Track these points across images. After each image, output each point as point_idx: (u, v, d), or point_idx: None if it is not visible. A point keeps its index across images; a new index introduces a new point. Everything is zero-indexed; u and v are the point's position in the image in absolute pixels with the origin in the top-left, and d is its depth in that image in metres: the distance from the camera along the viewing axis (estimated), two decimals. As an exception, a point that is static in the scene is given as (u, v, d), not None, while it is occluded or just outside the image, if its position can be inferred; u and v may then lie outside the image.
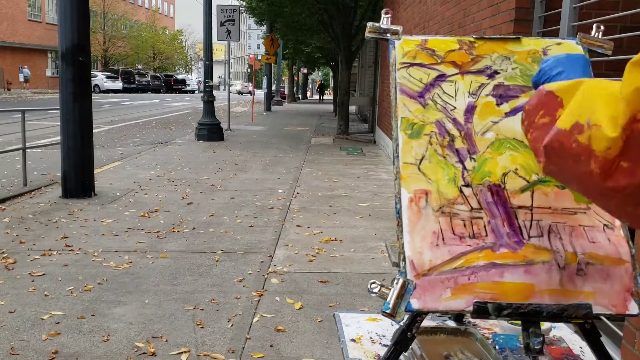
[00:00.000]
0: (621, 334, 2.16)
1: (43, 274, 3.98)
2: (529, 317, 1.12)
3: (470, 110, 1.31)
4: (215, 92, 14.19)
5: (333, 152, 11.38)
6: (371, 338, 1.48)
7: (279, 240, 4.97)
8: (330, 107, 29.53)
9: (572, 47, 1.38)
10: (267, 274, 4.12)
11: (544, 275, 1.16)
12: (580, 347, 1.46)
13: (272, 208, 6.18)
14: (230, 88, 14.86)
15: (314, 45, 25.96)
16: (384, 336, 1.49)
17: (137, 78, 45.14)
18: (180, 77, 53.23)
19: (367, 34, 1.37)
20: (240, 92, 53.55)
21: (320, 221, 5.64)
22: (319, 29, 17.91)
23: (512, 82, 1.33)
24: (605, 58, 1.64)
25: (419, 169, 1.24)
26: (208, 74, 12.87)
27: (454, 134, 1.28)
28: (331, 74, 43.37)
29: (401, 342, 1.17)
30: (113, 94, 37.27)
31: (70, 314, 3.34)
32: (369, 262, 4.44)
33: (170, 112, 23.33)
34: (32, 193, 6.64)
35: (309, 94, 61.78)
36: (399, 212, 1.20)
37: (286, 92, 43.54)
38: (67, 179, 6.42)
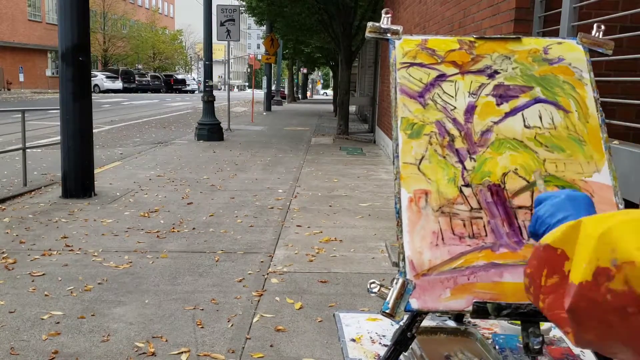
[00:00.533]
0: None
1: (43, 274, 3.98)
2: (529, 317, 1.12)
3: (470, 110, 1.31)
4: (215, 92, 14.19)
5: (333, 152, 11.38)
6: (371, 338, 1.48)
7: (279, 240, 4.97)
8: (330, 107, 29.53)
9: (572, 47, 1.38)
10: (267, 274, 4.12)
11: (543, 275, 1.16)
12: (580, 347, 1.45)
13: (272, 208, 6.18)
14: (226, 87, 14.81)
15: (314, 45, 25.95)
16: (384, 336, 1.49)
17: (137, 78, 45.15)
18: (180, 77, 53.25)
19: (367, 34, 1.37)
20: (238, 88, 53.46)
21: (320, 221, 5.64)
22: (319, 29, 17.91)
23: (512, 81, 1.33)
24: (606, 58, 1.64)
25: (418, 169, 1.24)
26: (208, 74, 12.87)
27: (454, 134, 1.28)
28: (331, 74, 43.38)
29: (401, 342, 1.17)
30: (113, 94, 37.28)
31: (70, 314, 3.34)
32: (369, 262, 4.44)
33: (170, 112, 23.33)
34: (32, 193, 6.64)
35: (309, 94, 61.78)
36: (398, 212, 1.20)
37: (286, 92, 43.56)
38: (67, 179, 6.42)
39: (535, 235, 0.88)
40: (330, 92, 48.24)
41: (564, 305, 0.63)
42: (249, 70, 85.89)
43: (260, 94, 36.28)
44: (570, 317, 0.63)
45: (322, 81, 57.03)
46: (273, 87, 31.13)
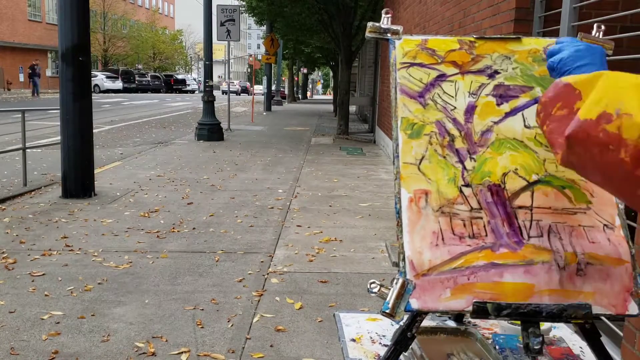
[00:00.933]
0: (621, 334, 2.16)
1: (43, 274, 3.98)
2: (529, 317, 1.12)
3: (470, 110, 1.31)
4: (215, 92, 14.19)
5: (333, 152, 11.38)
6: (371, 338, 1.48)
7: (279, 240, 4.97)
8: (330, 107, 29.53)
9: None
10: (267, 274, 4.12)
11: (543, 275, 1.16)
12: (580, 347, 1.46)
13: (272, 208, 6.18)
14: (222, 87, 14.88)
15: (314, 45, 25.95)
16: (384, 336, 1.49)
17: (137, 78, 45.13)
18: (180, 77, 53.22)
19: (367, 34, 1.36)
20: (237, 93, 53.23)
21: (320, 221, 5.64)
22: (319, 29, 17.91)
23: (512, 82, 1.33)
24: (606, 58, 1.64)
25: (419, 169, 1.24)
26: (208, 74, 12.87)
27: (454, 134, 1.28)
28: (331, 74, 43.38)
29: (401, 342, 1.17)
30: (113, 94, 37.27)
31: (70, 314, 3.34)
32: (369, 262, 4.44)
33: (170, 112, 23.33)
34: (32, 193, 6.64)
35: (309, 94, 61.78)
36: (398, 212, 1.19)
37: (286, 92, 43.54)
38: (67, 179, 6.42)
39: (552, 70, 1.06)
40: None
41: (565, 132, 0.79)
42: (249, 71, 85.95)
43: (260, 88, 36.16)
44: (566, 142, 0.79)
45: (322, 81, 57.03)
46: (273, 87, 31.13)
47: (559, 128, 0.82)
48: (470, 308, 1.13)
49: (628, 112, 0.70)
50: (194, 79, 55.86)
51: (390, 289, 1.12)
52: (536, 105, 1.30)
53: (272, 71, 30.52)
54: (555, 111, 0.84)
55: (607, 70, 0.82)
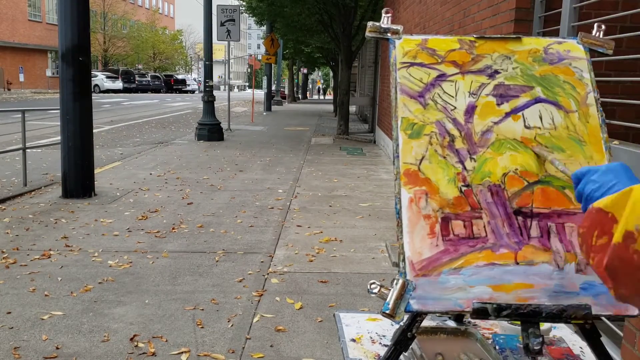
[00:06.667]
0: (621, 334, 2.16)
1: (43, 274, 3.98)
2: (529, 317, 1.12)
3: (470, 110, 1.30)
4: (215, 92, 14.19)
5: (333, 152, 11.38)
6: (371, 338, 1.48)
7: (279, 240, 4.97)
8: (330, 107, 29.52)
9: (573, 46, 1.38)
10: (267, 274, 4.12)
11: (543, 275, 1.16)
12: (581, 348, 1.45)
13: (272, 208, 6.18)
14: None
15: (314, 45, 25.95)
16: (384, 336, 1.49)
17: (137, 78, 45.12)
18: (180, 77, 53.22)
19: (367, 34, 1.36)
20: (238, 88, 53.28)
21: (320, 221, 5.64)
22: (319, 29, 17.90)
23: (512, 81, 1.33)
24: (606, 58, 1.64)
25: (419, 169, 1.24)
26: (208, 74, 12.87)
27: (454, 134, 1.28)
28: (331, 74, 43.37)
29: (401, 342, 1.17)
30: (113, 94, 37.27)
31: (70, 314, 3.34)
32: (369, 262, 4.43)
33: (170, 112, 23.32)
34: (32, 193, 6.64)
35: (308, 94, 61.77)
36: (398, 213, 1.19)
37: (286, 92, 43.53)
38: (67, 179, 6.42)
39: (582, 196, 0.91)
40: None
41: (603, 263, 0.71)
42: (249, 71, 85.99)
43: (260, 94, 36.23)
44: (608, 274, 0.71)
45: (322, 81, 56.99)
46: (273, 87, 31.12)
47: (601, 259, 0.73)
48: (470, 308, 1.13)
49: None
50: (194, 79, 55.88)
51: (390, 290, 1.12)
52: (537, 108, 1.31)
53: (272, 71, 30.50)
54: (595, 241, 0.75)
55: (636, 185, 0.74)
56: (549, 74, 1.34)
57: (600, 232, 0.74)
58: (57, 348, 2.93)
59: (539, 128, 1.29)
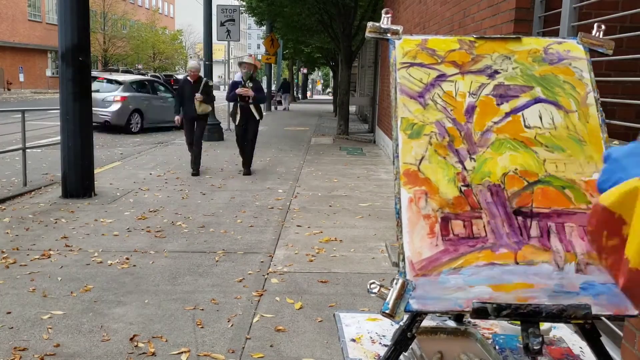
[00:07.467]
0: (621, 334, 2.16)
1: (43, 274, 3.98)
2: (528, 317, 1.12)
3: (470, 110, 1.31)
4: (215, 92, 14.17)
5: (333, 152, 11.38)
6: (371, 338, 1.48)
7: (279, 240, 4.97)
8: (330, 107, 29.52)
9: (573, 47, 1.38)
10: (267, 274, 4.12)
11: (543, 275, 1.16)
12: (580, 347, 1.45)
13: (272, 208, 6.18)
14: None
15: (314, 45, 25.95)
16: (384, 336, 1.49)
17: (137, 78, 45.03)
18: (180, 77, 53.15)
19: (367, 34, 1.36)
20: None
21: (320, 221, 5.63)
22: (319, 29, 17.91)
23: (512, 81, 1.33)
24: (606, 58, 1.64)
25: (418, 169, 1.24)
26: (208, 74, 12.86)
27: (453, 134, 1.28)
28: (331, 74, 43.37)
29: (401, 342, 1.17)
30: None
31: (70, 314, 3.34)
32: (369, 262, 4.43)
33: (170, 112, 23.28)
34: (32, 193, 6.64)
35: (308, 94, 61.76)
36: (398, 212, 1.19)
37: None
38: (67, 179, 6.42)
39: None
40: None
41: (620, 284, 0.68)
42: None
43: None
44: (625, 294, 0.69)
45: (322, 81, 57.03)
46: (273, 87, 31.12)
47: (615, 264, 0.70)
48: (470, 308, 1.13)
49: None
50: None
51: (390, 290, 1.12)
52: (536, 108, 1.31)
53: (272, 71, 30.49)
54: (606, 242, 0.72)
55: (634, 178, 0.69)
56: (548, 74, 1.34)
57: (610, 233, 0.71)
58: (57, 347, 2.93)
59: (539, 128, 1.29)
